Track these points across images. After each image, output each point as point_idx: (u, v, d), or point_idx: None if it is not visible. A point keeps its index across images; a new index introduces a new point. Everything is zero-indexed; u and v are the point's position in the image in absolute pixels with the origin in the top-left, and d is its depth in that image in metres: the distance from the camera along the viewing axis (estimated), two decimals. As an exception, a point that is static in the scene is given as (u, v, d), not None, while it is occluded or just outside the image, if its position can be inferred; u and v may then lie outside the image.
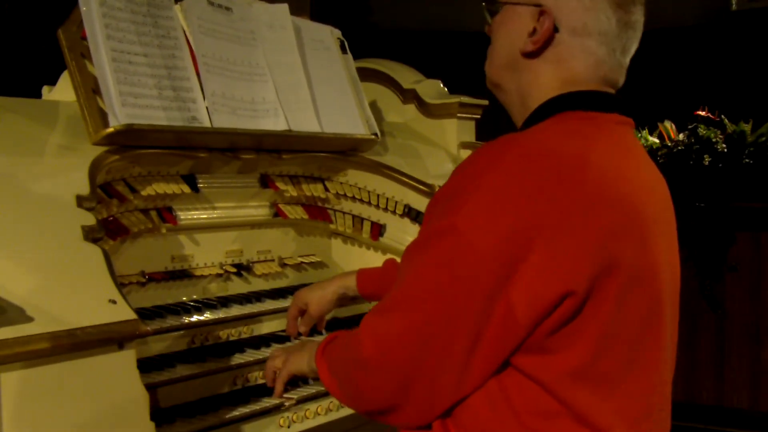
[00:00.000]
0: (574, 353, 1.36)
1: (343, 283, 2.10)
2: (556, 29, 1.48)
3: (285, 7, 2.40)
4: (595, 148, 1.41)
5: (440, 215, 1.39)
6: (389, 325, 1.42)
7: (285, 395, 1.90)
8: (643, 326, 1.44)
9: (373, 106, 2.81)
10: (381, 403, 1.47)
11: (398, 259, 2.20)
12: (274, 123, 2.24)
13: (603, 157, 1.40)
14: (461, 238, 1.34)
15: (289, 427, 1.94)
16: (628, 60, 1.54)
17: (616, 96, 1.54)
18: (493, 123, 2.70)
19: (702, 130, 4.44)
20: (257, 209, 2.38)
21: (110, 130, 1.86)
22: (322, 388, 1.98)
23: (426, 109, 2.93)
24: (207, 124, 2.06)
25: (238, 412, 1.83)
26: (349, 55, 2.61)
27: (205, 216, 2.22)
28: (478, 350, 1.36)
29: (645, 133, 4.64)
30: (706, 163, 4.36)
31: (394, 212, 2.55)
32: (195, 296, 2.16)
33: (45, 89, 2.17)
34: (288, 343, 2.11)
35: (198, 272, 2.17)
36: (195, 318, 2.00)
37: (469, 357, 1.36)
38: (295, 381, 1.92)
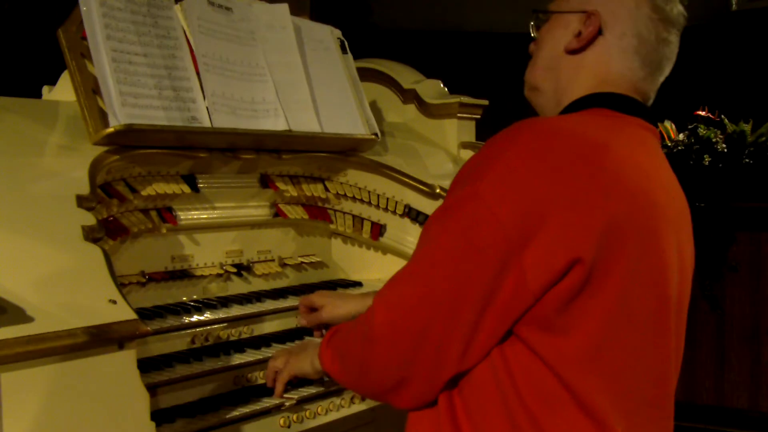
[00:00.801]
0: (580, 336, 1.39)
1: (366, 303, 2.09)
2: (600, 32, 1.57)
3: (285, 7, 2.40)
4: (617, 139, 1.46)
5: (463, 184, 1.43)
6: (401, 293, 1.46)
7: (285, 395, 1.90)
8: (648, 322, 1.46)
9: (373, 106, 2.81)
10: (387, 379, 1.49)
11: (401, 260, 2.21)
12: (274, 123, 2.24)
13: (624, 150, 1.46)
14: (481, 204, 1.38)
15: (289, 427, 1.94)
16: (660, 80, 1.62)
17: (645, 105, 1.60)
18: (494, 123, 2.70)
19: (702, 130, 4.44)
20: (257, 209, 2.38)
21: (110, 130, 1.86)
22: (323, 389, 1.98)
23: (426, 109, 2.93)
24: (207, 124, 2.06)
25: (238, 412, 1.83)
26: (349, 55, 2.61)
27: (205, 216, 2.22)
28: (486, 318, 1.39)
29: (645, 133, 4.63)
30: (706, 163, 4.36)
31: (394, 212, 2.55)
32: (195, 296, 2.16)
33: (45, 89, 2.16)
34: (289, 344, 2.11)
35: (198, 272, 2.17)
36: (195, 318, 2.00)
37: (477, 325, 1.40)
38: (296, 382, 1.92)
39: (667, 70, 1.62)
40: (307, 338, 2.16)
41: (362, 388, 1.60)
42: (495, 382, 1.43)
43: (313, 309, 2.13)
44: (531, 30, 1.70)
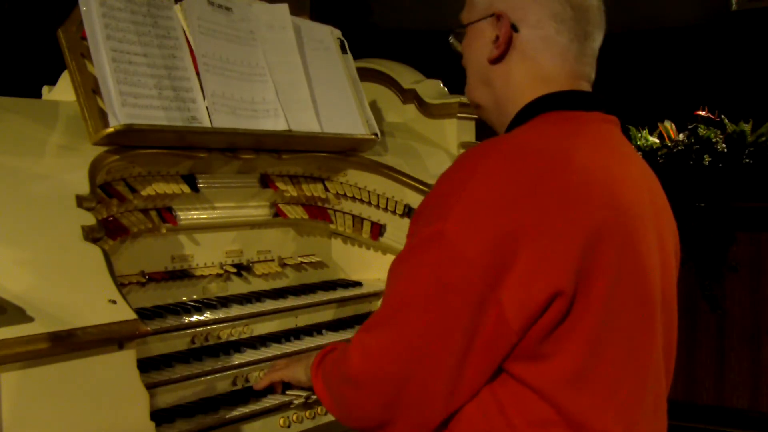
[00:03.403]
0: (567, 357, 1.35)
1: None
2: (515, 29, 1.51)
3: (285, 7, 2.40)
4: (578, 147, 1.41)
5: (426, 223, 1.38)
6: (377, 339, 1.41)
7: (290, 392, 1.90)
8: (635, 328, 1.43)
9: (373, 106, 2.81)
10: (371, 421, 1.46)
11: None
12: (274, 123, 2.24)
13: (586, 156, 1.40)
14: (448, 245, 1.33)
15: (289, 427, 1.94)
16: (595, 47, 1.55)
17: (597, 95, 1.54)
18: (493, 123, 2.70)
19: (702, 130, 4.44)
20: (257, 209, 2.38)
21: (110, 130, 1.86)
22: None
23: (426, 109, 2.93)
24: (207, 124, 2.06)
25: (238, 412, 1.83)
26: (349, 55, 2.61)
27: (205, 216, 2.22)
28: (469, 359, 1.35)
29: (645, 133, 4.64)
30: (706, 163, 4.36)
31: (394, 212, 2.55)
32: (195, 296, 2.16)
33: (45, 89, 2.16)
34: (289, 344, 2.11)
35: (198, 272, 2.17)
36: (195, 318, 2.00)
37: (461, 367, 1.35)
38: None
39: (599, 34, 1.54)
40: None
41: (348, 423, 1.56)
42: (484, 415, 1.39)
43: None
44: (454, 47, 1.66)
